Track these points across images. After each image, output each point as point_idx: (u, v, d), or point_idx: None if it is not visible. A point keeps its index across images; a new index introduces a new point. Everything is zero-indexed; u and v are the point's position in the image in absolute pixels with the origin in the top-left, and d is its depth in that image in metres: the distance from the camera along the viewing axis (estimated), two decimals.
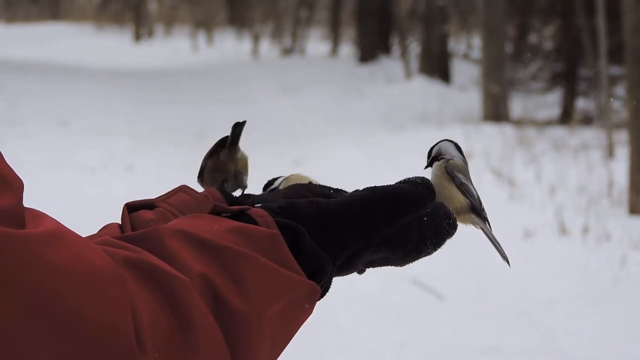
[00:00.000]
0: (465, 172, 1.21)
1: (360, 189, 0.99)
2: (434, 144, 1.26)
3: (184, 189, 1.04)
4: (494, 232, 1.20)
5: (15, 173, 0.77)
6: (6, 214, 0.73)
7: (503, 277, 6.56)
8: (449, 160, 1.21)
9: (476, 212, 1.19)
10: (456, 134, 11.54)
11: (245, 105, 16.71)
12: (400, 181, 0.99)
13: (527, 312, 5.88)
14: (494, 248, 1.20)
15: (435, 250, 1.00)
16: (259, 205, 0.97)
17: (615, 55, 13.53)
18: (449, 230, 1.01)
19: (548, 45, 17.90)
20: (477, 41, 25.31)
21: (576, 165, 10.08)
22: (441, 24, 20.48)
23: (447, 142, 1.28)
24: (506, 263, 1.21)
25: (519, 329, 5.58)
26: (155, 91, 19.11)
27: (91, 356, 0.73)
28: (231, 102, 17.16)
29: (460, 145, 1.27)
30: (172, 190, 1.04)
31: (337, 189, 1.05)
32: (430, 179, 1.11)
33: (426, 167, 1.23)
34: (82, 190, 8.82)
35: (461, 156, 1.26)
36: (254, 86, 19.82)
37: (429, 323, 5.70)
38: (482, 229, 1.20)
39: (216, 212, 0.94)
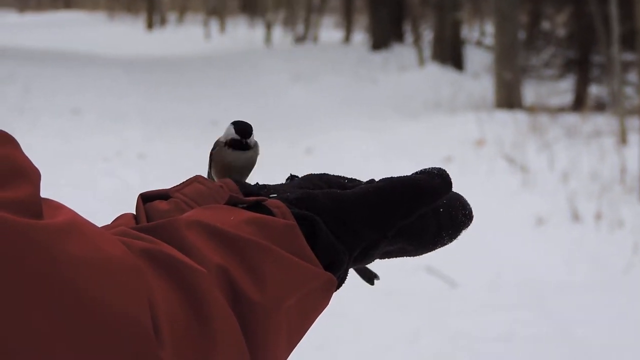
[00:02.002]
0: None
1: (376, 179, 0.99)
2: None
3: (199, 179, 1.03)
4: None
5: (32, 163, 0.77)
6: (24, 205, 0.72)
7: (515, 264, 6.56)
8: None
9: None
10: (469, 121, 11.51)
11: (258, 93, 16.69)
12: (417, 172, 0.99)
13: (540, 300, 5.88)
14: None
15: (452, 241, 1.01)
16: (275, 196, 0.97)
17: (628, 41, 13.49)
18: (465, 221, 1.01)
19: (561, 32, 17.85)
20: (489, 28, 25.25)
21: (589, 152, 10.06)
22: (454, 10, 20.43)
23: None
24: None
25: (532, 316, 5.58)
26: (168, 79, 19.11)
27: (109, 348, 0.73)
28: (243, 90, 17.15)
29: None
30: (186, 181, 1.03)
31: (352, 178, 1.04)
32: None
33: None
34: (94, 179, 8.84)
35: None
36: (266, 74, 19.79)
37: (441, 311, 5.70)
38: None
39: (232, 203, 0.95)
